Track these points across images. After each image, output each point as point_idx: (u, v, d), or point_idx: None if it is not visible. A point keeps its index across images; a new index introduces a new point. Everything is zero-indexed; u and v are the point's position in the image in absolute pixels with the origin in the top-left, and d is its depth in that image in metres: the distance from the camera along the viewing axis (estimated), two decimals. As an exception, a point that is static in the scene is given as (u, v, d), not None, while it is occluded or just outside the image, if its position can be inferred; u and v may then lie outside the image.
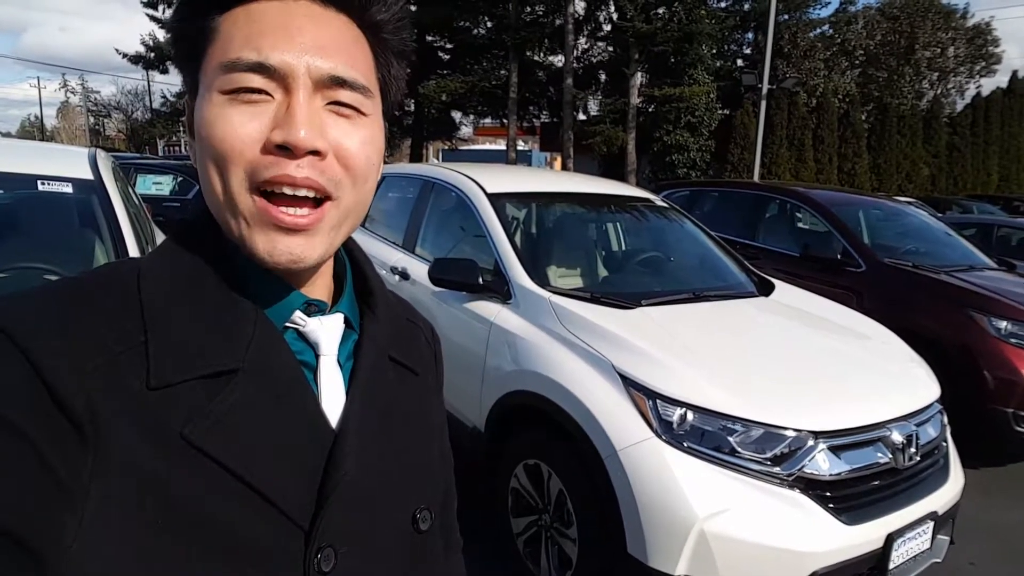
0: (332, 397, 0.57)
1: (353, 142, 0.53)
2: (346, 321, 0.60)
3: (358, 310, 0.63)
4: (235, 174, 0.50)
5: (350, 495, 0.53)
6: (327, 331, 0.58)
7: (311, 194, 0.51)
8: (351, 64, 0.52)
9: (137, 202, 3.17)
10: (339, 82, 0.51)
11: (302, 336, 0.57)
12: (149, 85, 39.82)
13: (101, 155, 2.63)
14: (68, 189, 2.26)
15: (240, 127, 0.49)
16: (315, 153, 0.50)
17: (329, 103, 0.52)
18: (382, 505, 0.57)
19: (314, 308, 0.58)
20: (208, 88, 0.51)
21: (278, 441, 0.51)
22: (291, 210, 0.50)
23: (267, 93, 0.50)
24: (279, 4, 0.51)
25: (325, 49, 0.51)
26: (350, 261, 0.65)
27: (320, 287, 0.59)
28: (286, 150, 0.49)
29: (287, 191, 0.50)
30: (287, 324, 0.56)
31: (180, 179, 9.28)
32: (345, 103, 0.52)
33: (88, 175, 2.35)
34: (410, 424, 0.63)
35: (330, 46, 0.51)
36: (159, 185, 9.29)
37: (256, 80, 0.49)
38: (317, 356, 0.57)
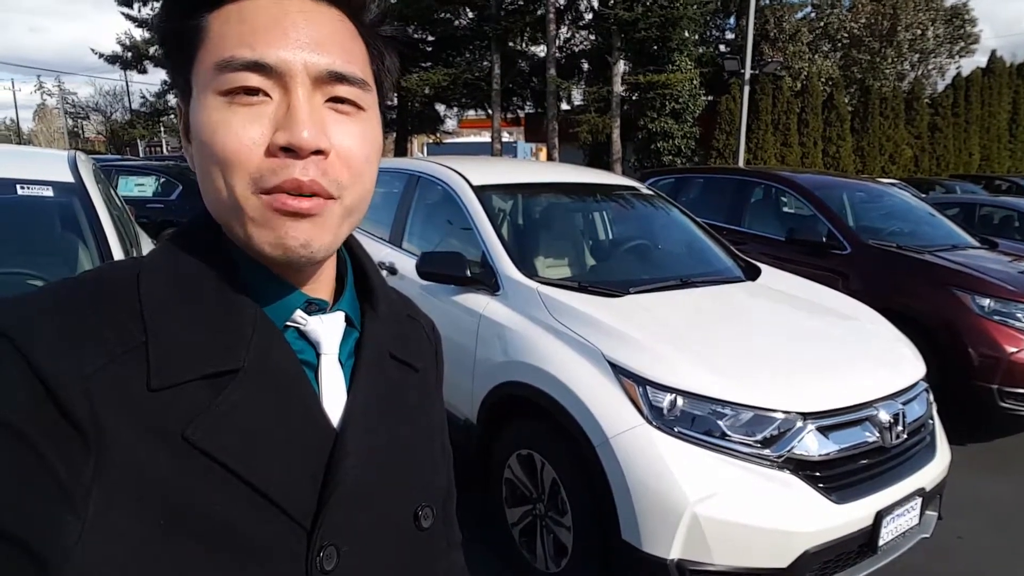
0: (333, 396, 0.56)
1: (354, 141, 0.52)
2: (347, 319, 0.60)
3: (359, 308, 0.62)
4: (239, 179, 0.49)
5: (352, 494, 0.53)
6: (328, 330, 0.57)
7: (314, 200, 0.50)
8: (348, 59, 0.52)
9: (120, 204, 3.14)
10: (337, 77, 0.51)
11: (303, 335, 0.57)
12: (128, 85, 39.33)
13: (81, 157, 2.61)
14: (48, 192, 2.23)
15: (242, 131, 0.48)
16: (318, 152, 0.49)
17: (328, 99, 0.51)
18: (384, 503, 0.57)
19: (315, 307, 0.57)
20: (203, 89, 0.49)
21: (280, 441, 0.51)
22: (295, 197, 0.50)
23: (265, 93, 0.49)
24: (271, 0, 0.50)
25: (322, 45, 0.50)
26: (351, 259, 0.64)
27: (322, 286, 0.59)
28: (290, 151, 0.48)
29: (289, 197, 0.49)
30: (288, 323, 0.56)
31: (163, 180, 9.18)
32: (344, 98, 0.51)
33: (69, 178, 2.32)
34: (411, 422, 0.63)
35: (326, 41, 0.50)
36: (141, 187, 9.18)
37: (253, 79, 0.48)
38: (318, 355, 0.57)
